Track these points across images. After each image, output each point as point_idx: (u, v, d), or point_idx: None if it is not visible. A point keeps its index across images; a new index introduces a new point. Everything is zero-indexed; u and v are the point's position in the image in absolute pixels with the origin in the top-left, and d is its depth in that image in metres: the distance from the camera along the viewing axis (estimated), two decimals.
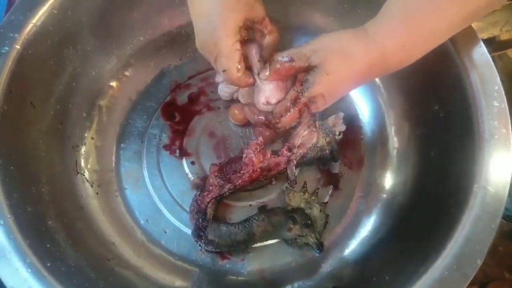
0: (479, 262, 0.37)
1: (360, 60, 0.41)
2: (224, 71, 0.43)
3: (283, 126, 0.48)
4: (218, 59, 0.43)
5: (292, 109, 0.46)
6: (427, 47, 0.41)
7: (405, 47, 0.40)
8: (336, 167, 0.57)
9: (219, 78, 0.56)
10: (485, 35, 0.69)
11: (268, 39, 0.45)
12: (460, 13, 0.38)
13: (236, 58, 0.42)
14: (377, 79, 0.59)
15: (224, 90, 0.58)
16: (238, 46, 0.42)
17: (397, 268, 0.43)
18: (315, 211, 0.51)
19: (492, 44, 0.70)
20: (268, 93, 0.48)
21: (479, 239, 0.38)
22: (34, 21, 0.47)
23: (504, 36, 0.70)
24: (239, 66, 0.43)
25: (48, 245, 0.41)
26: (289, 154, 0.52)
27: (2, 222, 0.38)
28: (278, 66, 0.44)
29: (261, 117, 0.51)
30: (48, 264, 0.38)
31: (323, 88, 0.43)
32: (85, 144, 0.56)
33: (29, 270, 0.37)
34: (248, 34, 0.44)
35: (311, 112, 0.47)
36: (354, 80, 0.43)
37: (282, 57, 0.44)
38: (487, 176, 0.40)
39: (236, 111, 0.56)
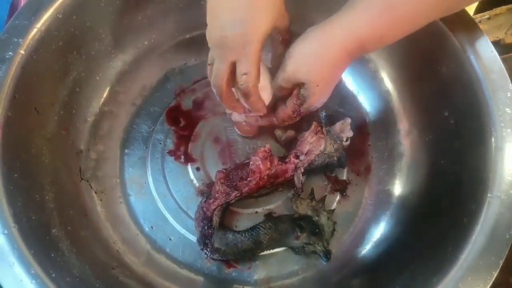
0: (494, 274, 0.36)
1: (339, 56, 0.42)
2: (244, 74, 0.41)
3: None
4: (242, 61, 0.41)
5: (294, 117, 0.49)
6: (404, 34, 0.41)
7: (382, 38, 0.41)
8: (344, 174, 0.56)
9: (235, 117, 0.55)
10: (490, 38, 0.69)
11: (282, 49, 0.47)
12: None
13: (258, 64, 0.42)
14: (387, 85, 0.59)
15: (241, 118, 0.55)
16: (261, 52, 0.41)
17: (408, 279, 0.42)
18: (323, 219, 0.51)
19: (497, 47, 0.70)
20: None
21: (494, 250, 0.37)
22: (38, 26, 0.47)
23: (509, 39, 0.70)
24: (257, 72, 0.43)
25: (52, 255, 0.40)
26: (296, 161, 0.51)
27: (6, 232, 0.38)
28: (278, 94, 0.49)
29: (264, 123, 0.53)
30: (53, 275, 0.37)
31: (319, 95, 0.45)
32: (89, 150, 0.55)
33: (34, 281, 0.36)
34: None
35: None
36: (340, 70, 0.45)
37: (275, 88, 0.47)
38: (500, 185, 0.40)
39: (244, 123, 0.56)
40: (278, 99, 0.50)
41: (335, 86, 0.46)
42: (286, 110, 0.48)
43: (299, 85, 0.45)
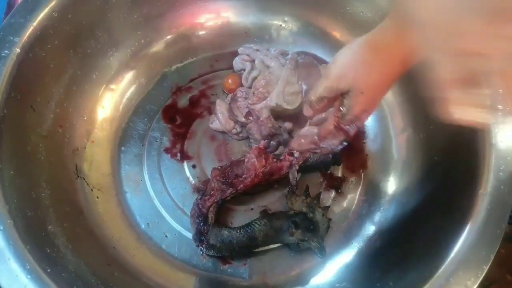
0: (485, 268, 0.37)
1: (389, 63, 0.39)
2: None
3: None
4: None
5: (335, 132, 0.46)
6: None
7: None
8: (339, 171, 0.57)
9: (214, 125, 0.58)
10: None
11: None
12: None
13: None
14: None
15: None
16: None
17: (401, 274, 0.43)
18: (318, 215, 0.51)
19: None
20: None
21: (485, 245, 0.38)
22: (34, 24, 0.47)
23: None
24: None
25: (48, 250, 0.41)
26: (291, 158, 0.51)
27: (2, 228, 0.38)
28: (316, 106, 0.46)
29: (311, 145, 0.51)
30: (49, 270, 0.38)
31: (363, 105, 0.42)
32: (85, 148, 0.55)
33: (29, 276, 0.37)
34: None
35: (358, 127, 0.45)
36: (390, 79, 0.41)
37: (315, 100, 0.45)
38: (491, 181, 0.40)
39: (230, 81, 0.57)
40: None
41: (383, 97, 0.43)
42: (327, 125, 0.46)
43: (342, 95, 0.42)
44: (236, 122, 0.56)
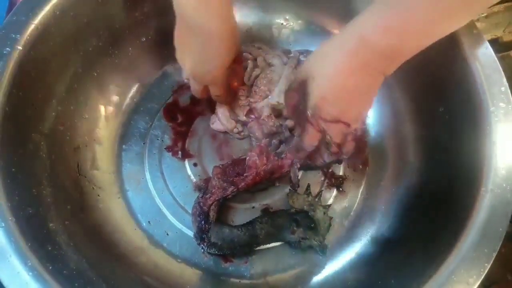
0: (487, 265, 0.37)
1: (348, 60, 0.39)
2: (216, 96, 0.53)
3: None
4: (212, 87, 0.52)
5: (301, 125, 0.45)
6: (419, 45, 0.38)
7: (398, 46, 0.37)
8: (340, 169, 0.56)
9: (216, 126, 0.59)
10: (488, 36, 0.69)
11: None
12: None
13: (225, 86, 0.52)
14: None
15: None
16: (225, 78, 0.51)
17: (403, 272, 0.43)
18: (319, 214, 0.51)
19: (495, 45, 0.70)
20: None
21: (487, 243, 0.38)
22: (36, 22, 0.47)
23: (507, 37, 0.70)
24: None
25: (49, 248, 0.41)
26: (292, 157, 0.51)
27: (3, 225, 0.38)
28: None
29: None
30: (50, 267, 0.38)
31: (318, 93, 0.41)
32: (86, 146, 0.55)
33: (30, 273, 0.36)
34: None
35: (326, 121, 0.43)
36: (352, 79, 0.39)
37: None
38: (494, 179, 0.40)
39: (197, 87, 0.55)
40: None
41: (351, 103, 0.41)
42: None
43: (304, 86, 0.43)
44: (237, 121, 0.56)
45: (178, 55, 0.49)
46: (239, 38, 0.47)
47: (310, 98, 0.42)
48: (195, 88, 0.53)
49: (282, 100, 0.53)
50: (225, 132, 0.58)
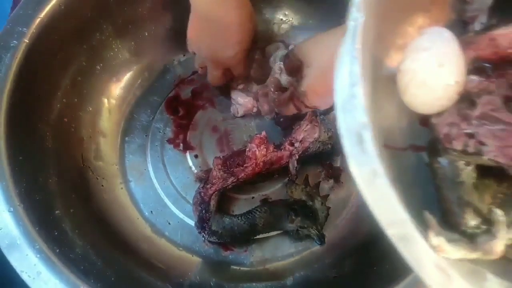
0: None
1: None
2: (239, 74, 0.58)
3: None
4: (236, 68, 0.55)
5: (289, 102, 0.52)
6: None
7: None
8: (338, 161, 0.58)
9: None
10: None
11: None
12: None
13: (246, 66, 0.57)
14: None
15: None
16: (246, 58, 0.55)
17: (397, 258, 0.44)
18: (317, 204, 0.52)
19: None
20: None
21: None
22: (42, 15, 0.48)
23: None
24: None
25: (56, 233, 0.42)
26: (291, 148, 0.52)
27: (12, 210, 0.39)
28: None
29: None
30: (57, 250, 0.39)
31: (311, 80, 0.46)
32: (90, 137, 0.57)
33: (38, 256, 0.38)
34: None
35: (306, 105, 0.50)
36: None
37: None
38: None
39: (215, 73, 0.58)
40: None
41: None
42: (284, 95, 0.52)
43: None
44: (253, 97, 0.59)
45: (193, 45, 0.52)
46: (256, 20, 0.50)
47: (302, 84, 0.47)
48: (214, 74, 0.55)
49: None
50: (225, 123, 0.60)
